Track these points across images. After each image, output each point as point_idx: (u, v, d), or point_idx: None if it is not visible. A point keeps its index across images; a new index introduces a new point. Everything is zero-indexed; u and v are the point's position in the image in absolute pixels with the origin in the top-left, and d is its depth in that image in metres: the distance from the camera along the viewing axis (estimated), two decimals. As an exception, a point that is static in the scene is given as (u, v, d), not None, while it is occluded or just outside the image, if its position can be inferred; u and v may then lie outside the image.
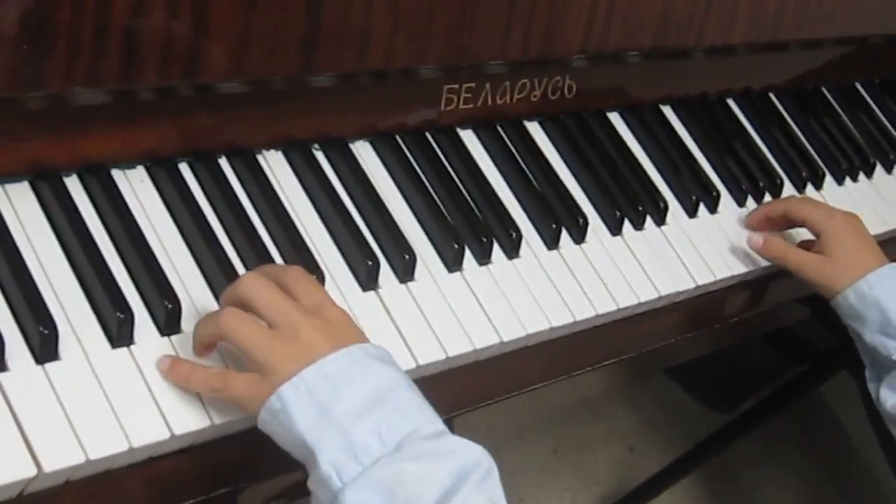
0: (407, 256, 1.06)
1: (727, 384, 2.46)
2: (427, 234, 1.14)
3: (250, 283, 0.85)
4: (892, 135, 1.69)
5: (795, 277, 1.28)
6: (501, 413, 2.16)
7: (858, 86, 1.72)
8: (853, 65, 1.72)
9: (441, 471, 0.76)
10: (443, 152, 1.21)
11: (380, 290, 1.03)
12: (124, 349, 0.85)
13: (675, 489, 2.27)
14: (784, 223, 1.32)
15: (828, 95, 1.67)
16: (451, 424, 0.98)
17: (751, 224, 1.34)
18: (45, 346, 0.83)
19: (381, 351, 0.85)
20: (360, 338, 0.84)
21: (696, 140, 1.45)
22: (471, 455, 0.79)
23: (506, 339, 1.08)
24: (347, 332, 0.84)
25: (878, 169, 1.62)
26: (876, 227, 1.50)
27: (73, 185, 0.95)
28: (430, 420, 0.81)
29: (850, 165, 1.57)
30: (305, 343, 0.81)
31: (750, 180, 1.44)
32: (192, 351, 0.88)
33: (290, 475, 0.90)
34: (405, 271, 1.06)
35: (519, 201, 1.23)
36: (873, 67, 1.76)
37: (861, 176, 1.58)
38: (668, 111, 1.45)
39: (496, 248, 1.16)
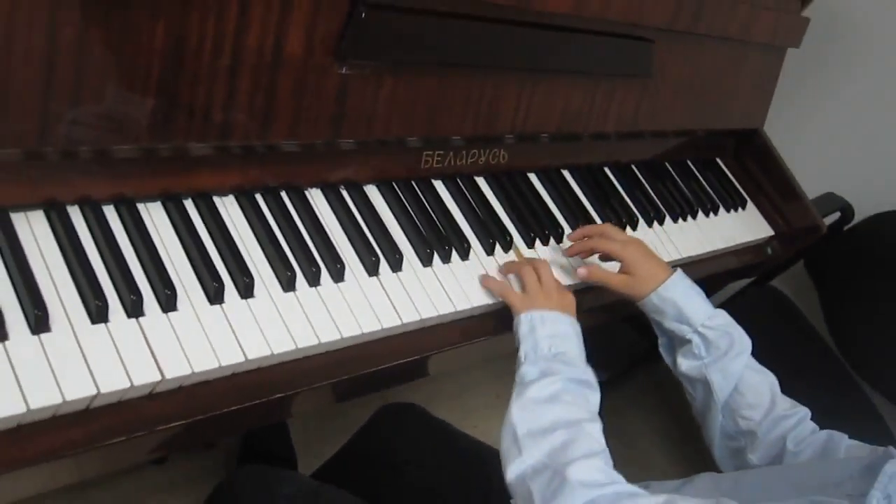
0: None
1: (599, 354, 2.43)
2: (411, 243, 1.15)
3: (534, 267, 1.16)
4: (710, 193, 1.69)
5: (613, 292, 1.24)
6: (456, 371, 2.13)
7: (689, 162, 1.74)
8: (686, 148, 1.73)
9: (568, 368, 1.00)
10: (422, 193, 1.22)
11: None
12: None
13: None
14: (597, 255, 1.29)
15: (669, 168, 1.68)
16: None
17: (572, 253, 1.29)
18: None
19: (572, 319, 1.09)
20: (565, 309, 1.10)
21: (584, 193, 1.44)
22: (589, 374, 1.02)
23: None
24: (563, 304, 1.11)
25: (700, 213, 1.63)
26: (697, 249, 1.54)
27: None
28: (578, 355, 1.05)
29: (682, 211, 1.58)
30: (542, 300, 1.10)
31: (617, 218, 1.44)
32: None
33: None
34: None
35: (469, 225, 1.24)
36: (698, 150, 1.77)
37: (689, 217, 1.60)
38: (566, 174, 1.45)
39: (454, 254, 1.17)
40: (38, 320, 0.79)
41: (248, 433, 1.67)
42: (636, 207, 1.51)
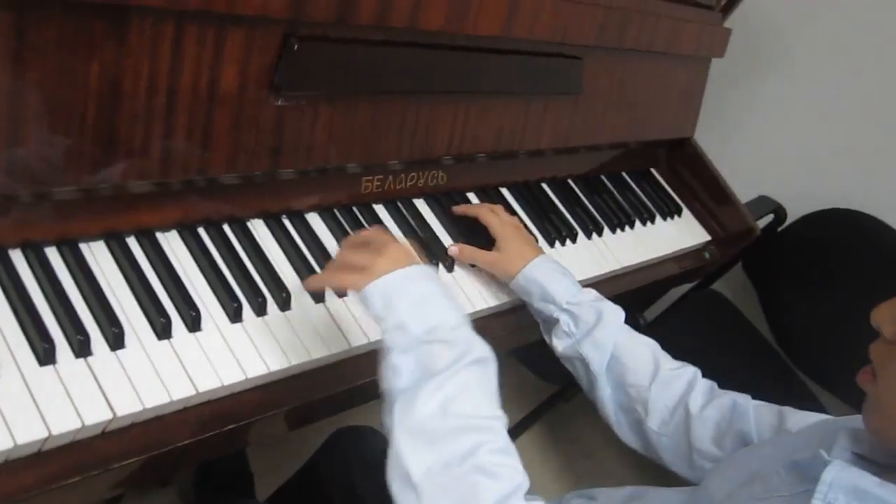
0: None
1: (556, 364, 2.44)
2: None
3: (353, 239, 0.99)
4: (645, 203, 1.74)
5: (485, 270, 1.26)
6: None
7: (624, 173, 1.78)
8: (620, 160, 1.77)
9: (451, 351, 0.84)
10: (363, 218, 1.24)
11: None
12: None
13: (529, 435, 2.30)
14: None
15: (605, 180, 1.71)
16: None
17: (457, 213, 1.32)
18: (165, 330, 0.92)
19: (429, 270, 0.93)
20: (412, 260, 0.92)
21: (523, 209, 1.47)
22: (475, 346, 0.86)
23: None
24: (404, 259, 0.91)
25: (637, 223, 1.67)
26: (637, 258, 1.58)
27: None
28: (454, 317, 0.88)
29: (619, 222, 1.62)
30: (383, 264, 0.90)
31: (557, 231, 1.47)
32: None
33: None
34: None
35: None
36: (633, 162, 1.81)
37: (627, 228, 1.64)
38: (504, 191, 1.48)
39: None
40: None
41: (204, 464, 1.67)
42: (574, 220, 1.54)
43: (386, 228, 1.20)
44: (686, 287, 2.24)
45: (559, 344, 1.20)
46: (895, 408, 0.77)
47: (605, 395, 1.17)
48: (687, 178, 1.89)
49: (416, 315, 0.87)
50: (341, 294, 1.11)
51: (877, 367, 0.79)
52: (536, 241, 1.39)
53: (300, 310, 1.07)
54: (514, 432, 2.20)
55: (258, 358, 0.99)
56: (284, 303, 1.05)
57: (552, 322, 1.20)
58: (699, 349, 1.94)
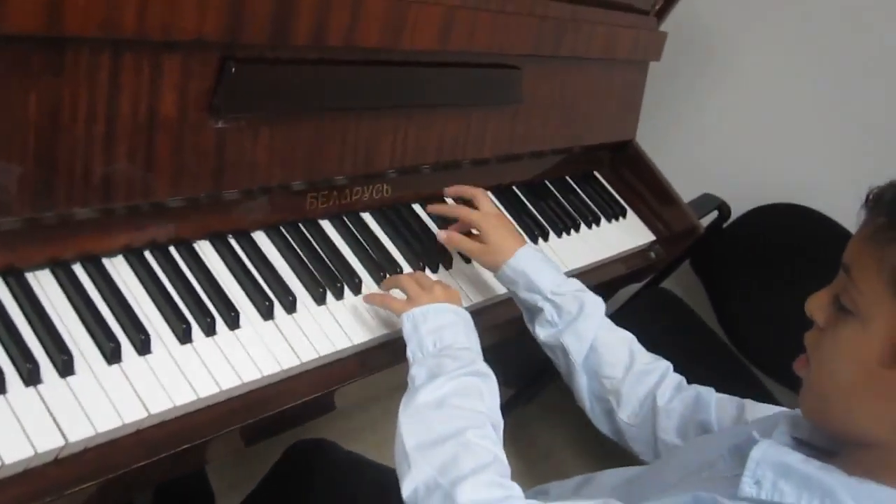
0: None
1: (511, 368, 2.48)
2: (304, 284, 1.19)
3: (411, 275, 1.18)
4: (590, 206, 1.78)
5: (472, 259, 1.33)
6: (366, 404, 2.20)
7: (568, 178, 1.81)
8: (564, 165, 1.80)
9: (456, 362, 1.00)
10: (309, 234, 1.25)
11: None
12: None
13: None
14: (461, 225, 1.34)
15: (549, 185, 1.75)
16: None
17: (433, 211, 1.38)
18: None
19: (459, 309, 1.11)
20: (449, 300, 1.12)
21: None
22: (478, 362, 1.03)
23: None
24: (448, 296, 1.12)
25: (583, 226, 1.71)
26: (583, 260, 1.62)
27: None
28: (465, 341, 1.06)
29: (565, 226, 1.65)
30: (425, 298, 1.11)
31: None
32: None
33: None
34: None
35: (358, 260, 1.28)
36: (577, 165, 1.85)
37: (572, 231, 1.67)
38: (449, 201, 1.46)
39: (346, 290, 1.22)
40: (-65, 398, 0.80)
41: (162, 482, 1.68)
42: (519, 225, 1.57)
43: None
44: (636, 287, 2.29)
45: (542, 332, 1.25)
46: (826, 390, 0.81)
47: (582, 383, 1.21)
48: (630, 179, 1.93)
49: (434, 336, 1.05)
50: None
51: (810, 353, 0.84)
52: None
53: (250, 328, 1.09)
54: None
55: (209, 377, 1.00)
56: (233, 322, 1.07)
57: (536, 311, 1.25)
58: (651, 347, 1.98)
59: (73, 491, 0.86)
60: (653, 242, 1.88)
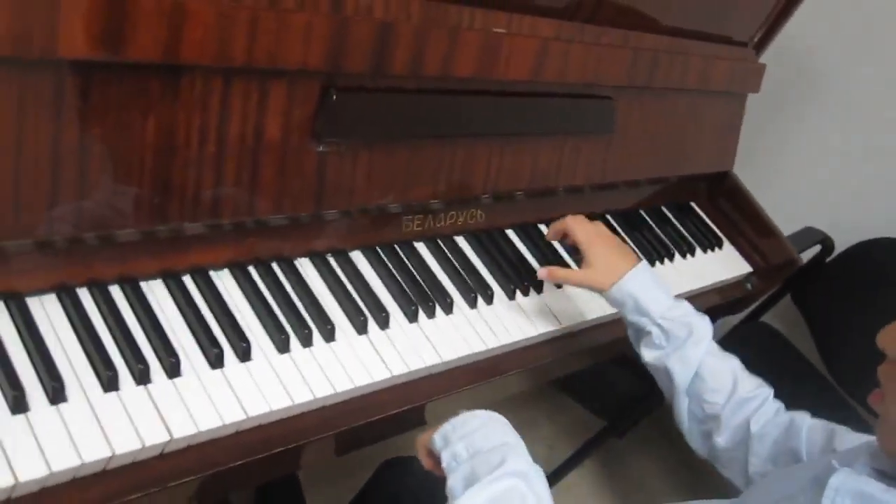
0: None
1: (605, 399, 2.47)
2: (397, 303, 1.24)
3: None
4: (685, 236, 1.78)
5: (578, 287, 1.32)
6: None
7: (664, 207, 1.83)
8: (660, 195, 1.82)
9: (491, 469, 0.91)
10: (404, 255, 1.31)
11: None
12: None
13: (581, 470, 2.32)
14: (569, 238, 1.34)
15: (644, 215, 1.77)
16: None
17: (549, 236, 1.39)
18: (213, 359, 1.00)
19: (485, 412, 1.03)
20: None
21: (561, 244, 1.52)
22: (515, 463, 0.91)
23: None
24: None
25: (677, 256, 1.72)
26: (678, 289, 1.60)
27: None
28: (500, 437, 0.97)
29: (658, 255, 1.67)
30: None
31: None
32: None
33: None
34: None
35: (451, 282, 1.32)
36: (672, 196, 1.86)
37: (666, 260, 1.68)
38: (543, 228, 1.52)
39: (438, 309, 1.27)
40: (55, 391, 0.88)
41: (260, 495, 1.75)
42: (612, 254, 1.59)
43: None
44: (736, 319, 2.27)
45: (648, 354, 1.25)
46: None
47: (683, 406, 1.22)
48: (727, 210, 1.93)
49: (466, 442, 0.97)
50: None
51: (885, 388, 0.84)
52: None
53: (345, 341, 1.14)
54: (567, 467, 2.24)
55: (304, 385, 1.06)
56: (329, 335, 1.13)
57: (644, 333, 1.25)
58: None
59: (174, 484, 0.93)
60: (749, 274, 1.87)
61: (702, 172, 1.87)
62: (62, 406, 0.89)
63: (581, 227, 1.32)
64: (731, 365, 1.23)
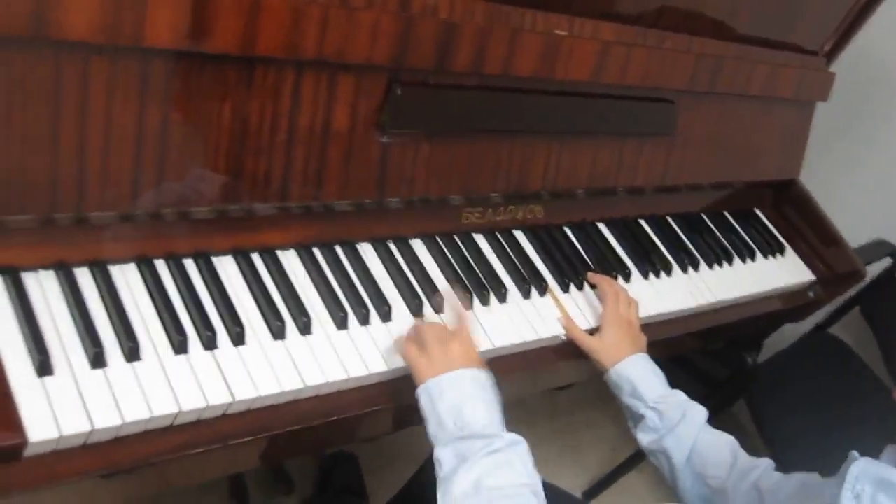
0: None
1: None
2: (450, 286, 1.31)
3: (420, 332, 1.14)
4: (747, 242, 1.80)
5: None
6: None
7: (726, 212, 1.85)
8: (723, 199, 1.85)
9: (482, 441, 1.00)
10: (464, 247, 1.37)
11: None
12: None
13: (639, 472, 2.32)
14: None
15: (706, 218, 1.79)
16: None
17: (591, 278, 1.42)
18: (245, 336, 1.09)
19: (475, 371, 1.09)
20: (467, 364, 1.09)
21: (619, 243, 1.58)
22: (503, 438, 1.01)
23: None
24: (458, 356, 1.10)
25: (737, 260, 1.74)
26: (732, 293, 1.65)
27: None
28: (485, 416, 1.04)
29: (717, 258, 1.69)
30: (440, 361, 1.09)
31: (651, 265, 1.57)
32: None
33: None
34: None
35: (507, 273, 1.38)
36: (736, 201, 1.88)
37: (725, 264, 1.71)
38: (602, 226, 1.59)
39: (492, 296, 1.32)
40: (131, 350, 0.97)
41: (322, 474, 1.84)
42: (670, 254, 1.64)
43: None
44: (802, 329, 2.27)
45: (644, 438, 1.28)
46: None
47: (686, 486, 1.25)
48: (793, 218, 1.94)
49: (453, 414, 1.03)
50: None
51: None
52: (628, 275, 1.52)
53: (401, 322, 1.21)
54: (626, 467, 2.28)
55: (360, 360, 1.14)
56: (385, 315, 1.20)
57: (638, 418, 1.29)
58: (813, 392, 1.97)
59: (235, 443, 1.01)
60: (812, 282, 1.88)
61: (766, 179, 1.88)
62: (136, 364, 0.98)
63: (613, 305, 1.36)
64: (727, 439, 1.25)
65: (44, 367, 0.91)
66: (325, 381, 1.09)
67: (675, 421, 1.25)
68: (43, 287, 0.99)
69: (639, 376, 1.28)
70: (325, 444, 1.14)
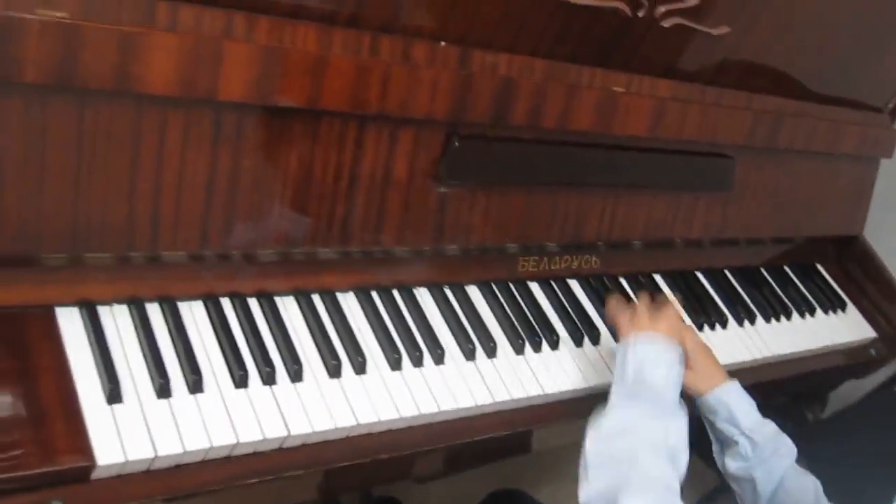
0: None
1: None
2: (506, 335, 1.33)
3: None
4: (806, 297, 1.80)
5: None
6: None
7: (786, 267, 1.85)
8: (784, 254, 1.86)
9: (647, 401, 1.15)
10: (519, 295, 1.41)
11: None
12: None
13: None
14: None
15: (764, 272, 1.79)
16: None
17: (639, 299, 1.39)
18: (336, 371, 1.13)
19: (666, 343, 1.21)
20: (673, 334, 1.25)
21: (674, 294, 1.58)
22: (667, 406, 1.16)
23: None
24: (663, 330, 1.24)
25: (795, 315, 1.74)
26: (788, 348, 1.65)
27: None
28: (662, 381, 1.17)
29: (775, 312, 1.69)
30: (645, 323, 1.25)
31: (707, 317, 1.57)
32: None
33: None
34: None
35: (560, 320, 1.41)
36: (797, 255, 1.89)
37: (783, 318, 1.71)
38: (658, 278, 1.61)
39: (544, 343, 1.36)
40: (195, 383, 1.03)
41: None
42: (726, 307, 1.65)
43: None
44: (869, 385, 2.24)
45: (732, 464, 1.28)
46: None
47: None
48: (855, 274, 1.94)
49: (636, 366, 1.17)
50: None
51: None
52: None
53: (453, 366, 1.26)
54: None
55: (412, 401, 1.18)
56: (439, 358, 1.25)
57: (730, 444, 1.28)
58: (876, 451, 1.95)
59: (287, 475, 1.06)
60: (874, 339, 1.87)
61: (828, 234, 1.89)
62: (199, 396, 1.04)
63: (692, 334, 1.34)
64: (813, 481, 1.25)
65: (113, 395, 0.97)
66: (377, 419, 1.14)
67: (767, 453, 1.25)
68: (116, 320, 1.06)
69: (736, 403, 1.28)
70: (374, 480, 1.18)
